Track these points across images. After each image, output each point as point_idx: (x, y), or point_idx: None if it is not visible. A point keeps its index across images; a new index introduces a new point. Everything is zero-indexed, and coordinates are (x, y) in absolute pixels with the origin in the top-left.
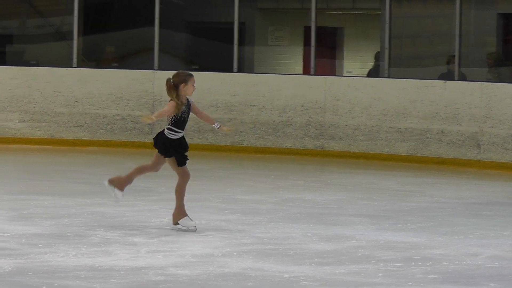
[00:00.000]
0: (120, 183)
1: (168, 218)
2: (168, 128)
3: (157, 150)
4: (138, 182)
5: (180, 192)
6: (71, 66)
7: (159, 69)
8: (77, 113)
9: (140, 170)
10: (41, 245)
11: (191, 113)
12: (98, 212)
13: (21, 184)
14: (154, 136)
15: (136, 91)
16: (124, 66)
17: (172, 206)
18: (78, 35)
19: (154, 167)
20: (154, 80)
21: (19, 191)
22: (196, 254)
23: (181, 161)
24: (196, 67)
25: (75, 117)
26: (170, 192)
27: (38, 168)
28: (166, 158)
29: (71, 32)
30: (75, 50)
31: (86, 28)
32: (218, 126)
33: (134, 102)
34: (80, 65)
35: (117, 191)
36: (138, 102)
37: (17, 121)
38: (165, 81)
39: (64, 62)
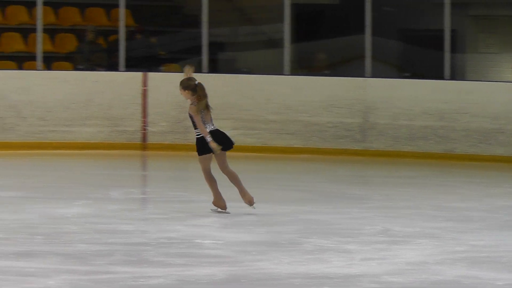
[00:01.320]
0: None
1: (382, 225)
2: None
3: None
4: (353, 190)
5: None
6: (282, 74)
7: (371, 76)
8: (289, 121)
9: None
10: (254, 253)
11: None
12: (311, 220)
13: (233, 191)
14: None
15: (347, 99)
16: (336, 74)
17: (382, 213)
18: (290, 43)
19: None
20: (366, 88)
21: (232, 198)
22: (410, 262)
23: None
24: (407, 74)
25: (287, 124)
26: (385, 200)
27: (250, 175)
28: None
29: (282, 40)
30: (286, 57)
31: (298, 35)
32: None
33: (345, 110)
34: (292, 72)
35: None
36: (349, 110)
37: (229, 128)
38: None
39: (276, 69)
